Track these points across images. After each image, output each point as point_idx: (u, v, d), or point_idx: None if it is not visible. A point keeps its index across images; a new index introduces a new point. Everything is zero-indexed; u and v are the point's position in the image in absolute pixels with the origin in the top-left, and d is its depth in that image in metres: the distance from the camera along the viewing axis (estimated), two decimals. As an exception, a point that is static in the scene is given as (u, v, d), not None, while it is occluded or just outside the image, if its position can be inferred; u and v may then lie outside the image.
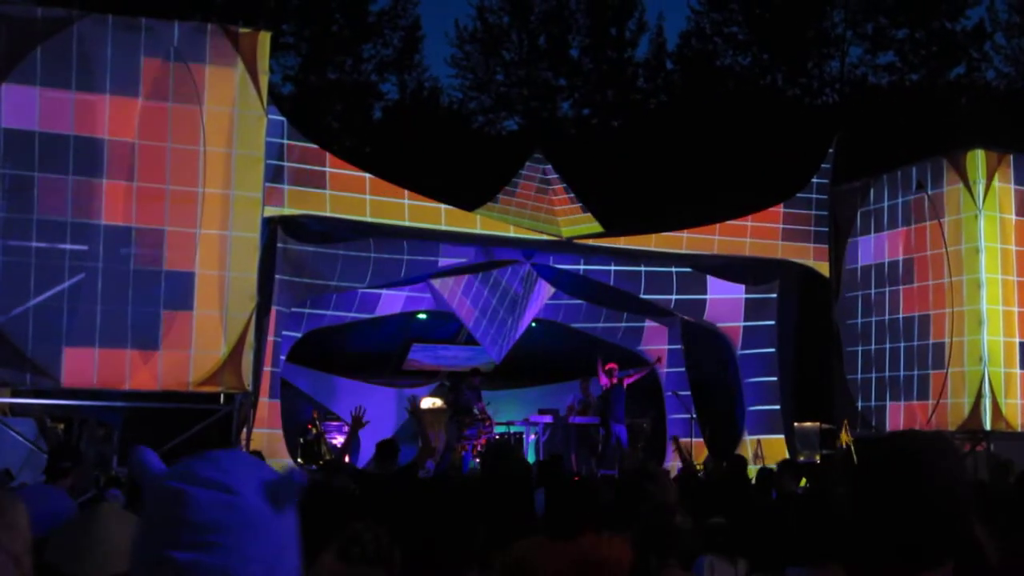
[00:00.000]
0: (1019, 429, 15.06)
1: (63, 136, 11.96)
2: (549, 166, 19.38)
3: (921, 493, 2.06)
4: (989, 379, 14.92)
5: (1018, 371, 15.22)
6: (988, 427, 14.81)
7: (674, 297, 17.47)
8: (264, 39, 13.02)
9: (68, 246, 11.91)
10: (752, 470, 12.75)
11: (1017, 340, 15.25)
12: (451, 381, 18.55)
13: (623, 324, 19.45)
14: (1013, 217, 15.50)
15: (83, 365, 11.85)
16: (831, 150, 17.62)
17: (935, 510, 2.05)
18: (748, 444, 17.16)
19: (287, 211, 13.96)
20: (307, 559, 3.21)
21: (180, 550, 1.50)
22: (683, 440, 16.98)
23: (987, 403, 14.87)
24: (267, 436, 13.79)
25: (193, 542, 1.50)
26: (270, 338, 14.07)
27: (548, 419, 18.50)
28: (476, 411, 17.62)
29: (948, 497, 2.06)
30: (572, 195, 19.08)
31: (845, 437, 16.31)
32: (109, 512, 3.13)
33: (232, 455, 1.62)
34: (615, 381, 17.68)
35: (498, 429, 18.13)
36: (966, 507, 2.09)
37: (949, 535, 2.06)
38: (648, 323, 19.53)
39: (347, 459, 16.90)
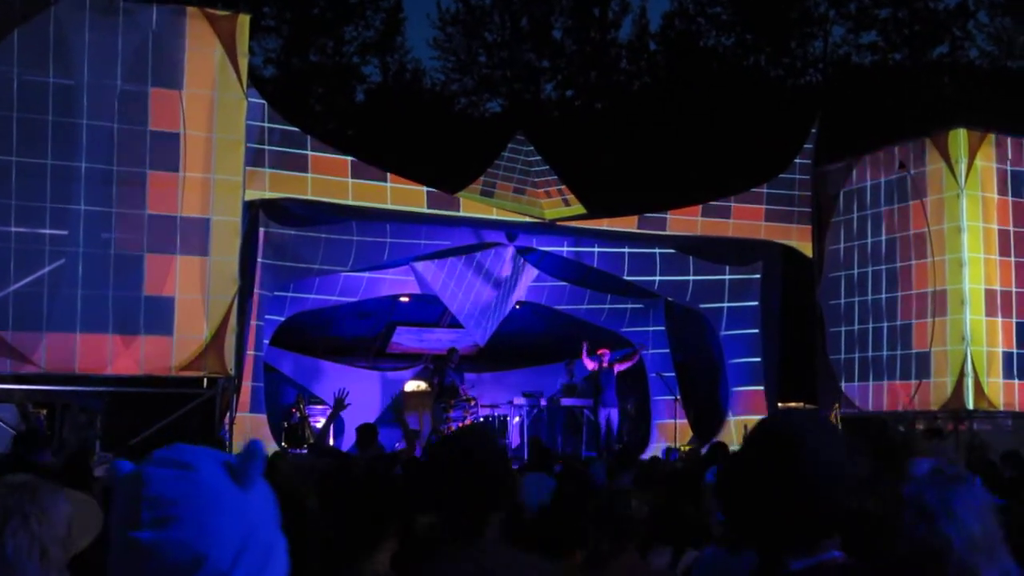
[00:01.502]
0: (1001, 408, 15.13)
1: (42, 120, 11.88)
2: (532, 148, 19.33)
3: (797, 471, 2.11)
4: (971, 358, 14.97)
5: (1000, 350, 15.28)
6: (971, 406, 14.87)
7: (657, 278, 17.46)
8: (243, 22, 12.95)
9: (48, 231, 11.85)
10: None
11: (999, 319, 15.29)
12: (434, 364, 18.54)
13: (607, 306, 19.45)
14: (995, 196, 15.53)
15: (64, 350, 11.81)
16: (814, 130, 17.62)
17: (811, 487, 2.11)
18: (733, 425, 17.18)
19: (269, 194, 13.88)
20: (366, 548, 3.20)
21: (141, 529, 1.49)
22: (667, 422, 17.06)
23: (969, 382, 14.93)
24: (250, 420, 13.74)
25: (153, 519, 1.49)
26: (253, 322, 14.02)
27: (533, 401, 18.53)
28: (460, 392, 17.62)
29: (824, 474, 2.12)
30: (555, 177, 19.05)
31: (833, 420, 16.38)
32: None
33: (194, 447, 1.61)
34: (605, 365, 17.69)
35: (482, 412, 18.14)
36: (847, 483, 2.15)
37: (826, 511, 2.12)
38: (632, 304, 19.53)
39: (331, 442, 16.96)
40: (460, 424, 17.22)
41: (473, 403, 17.72)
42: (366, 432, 10.72)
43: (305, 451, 15.39)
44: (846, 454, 2.18)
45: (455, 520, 2.80)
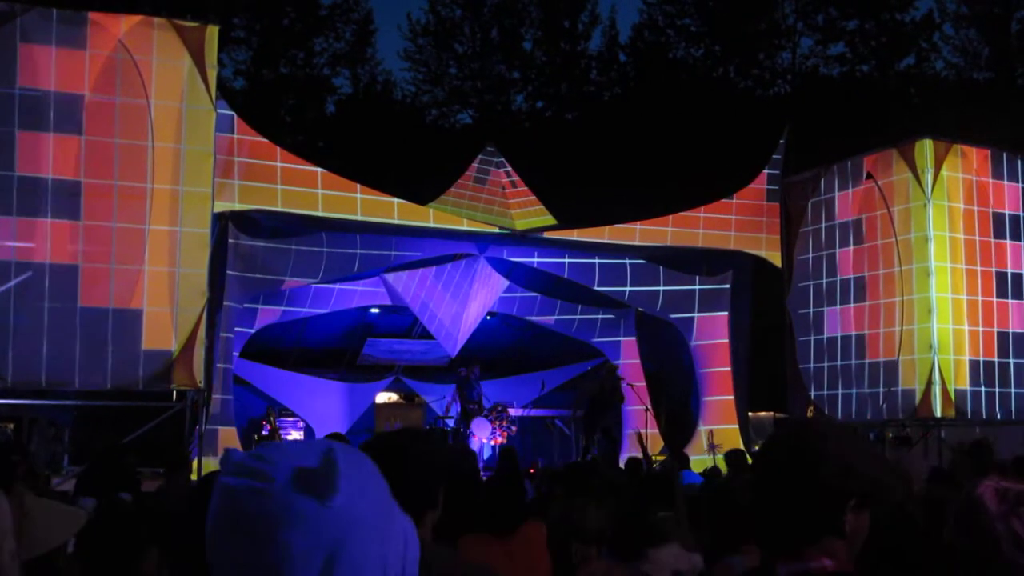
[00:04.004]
0: (969, 416, 15.23)
1: (8, 132, 11.79)
2: (503, 159, 19.36)
3: (812, 474, 2.17)
4: (939, 367, 15.07)
5: (965, 358, 15.39)
6: (939, 414, 14.96)
7: (628, 289, 17.51)
8: (212, 33, 12.90)
9: (14, 243, 11.75)
10: (706, 461, 12.79)
11: (966, 328, 15.41)
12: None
13: (578, 316, 19.49)
14: (961, 206, 15.65)
15: (31, 364, 11.69)
16: (782, 141, 17.73)
17: (824, 489, 2.16)
18: (703, 434, 17.24)
19: (238, 206, 13.83)
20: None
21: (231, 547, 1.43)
22: (640, 432, 17.05)
23: (937, 390, 15.02)
24: (221, 433, 13.68)
25: (229, 535, 1.43)
26: (222, 334, 13.96)
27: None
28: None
29: (837, 476, 2.16)
30: (526, 188, 19.08)
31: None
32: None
33: (280, 444, 1.52)
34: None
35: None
36: (861, 483, 2.19)
37: (837, 511, 2.17)
38: (603, 315, 19.57)
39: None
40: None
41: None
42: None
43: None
44: (863, 455, 2.24)
45: None
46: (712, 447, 16.62)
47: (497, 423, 17.65)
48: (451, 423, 17.80)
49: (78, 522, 2.62)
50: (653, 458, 15.14)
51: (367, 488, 1.49)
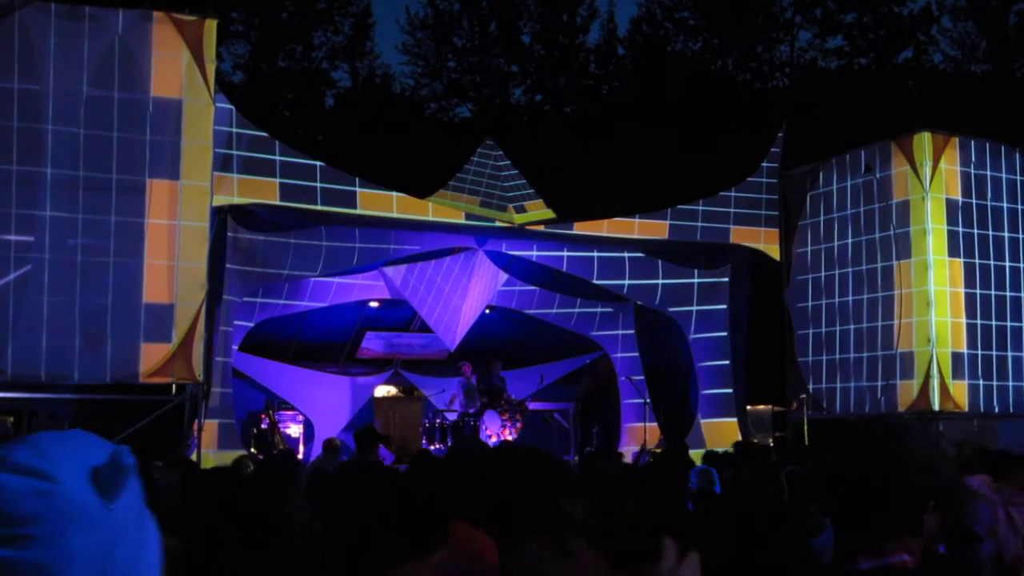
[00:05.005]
0: (966, 409, 15.26)
1: (7, 127, 11.79)
2: (501, 152, 19.36)
3: (900, 472, 2.19)
4: (937, 360, 15.10)
5: (969, 351, 15.42)
6: (937, 407, 15.00)
7: (627, 282, 17.51)
8: (211, 27, 12.91)
9: (13, 237, 11.76)
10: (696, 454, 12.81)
11: (964, 321, 15.43)
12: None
13: (576, 310, 19.49)
14: (959, 199, 15.68)
15: (31, 357, 11.71)
16: (781, 134, 17.74)
17: (910, 488, 2.19)
18: (702, 428, 17.26)
19: (237, 200, 13.83)
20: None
21: None
22: (637, 425, 17.11)
23: (935, 383, 15.05)
24: (220, 426, 13.69)
25: (8, 536, 1.34)
26: (221, 328, 13.96)
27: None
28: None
29: (923, 476, 2.20)
30: (525, 181, 19.08)
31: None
32: None
33: (58, 437, 1.45)
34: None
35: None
36: (937, 479, 2.22)
37: (918, 510, 2.19)
38: (601, 308, 19.58)
39: (300, 449, 16.95)
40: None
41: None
42: (327, 445, 10.72)
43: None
44: (938, 453, 2.27)
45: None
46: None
47: (509, 417, 17.62)
48: (453, 417, 17.81)
49: None
50: (652, 451, 15.22)
51: (135, 487, 1.46)
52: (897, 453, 2.21)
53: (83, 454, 1.43)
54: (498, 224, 16.59)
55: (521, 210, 18.15)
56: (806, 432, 16.10)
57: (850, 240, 16.54)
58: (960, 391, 15.23)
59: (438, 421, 17.61)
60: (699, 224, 17.07)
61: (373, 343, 19.78)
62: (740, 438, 16.19)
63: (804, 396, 16.60)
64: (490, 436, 17.17)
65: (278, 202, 14.17)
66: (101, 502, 1.40)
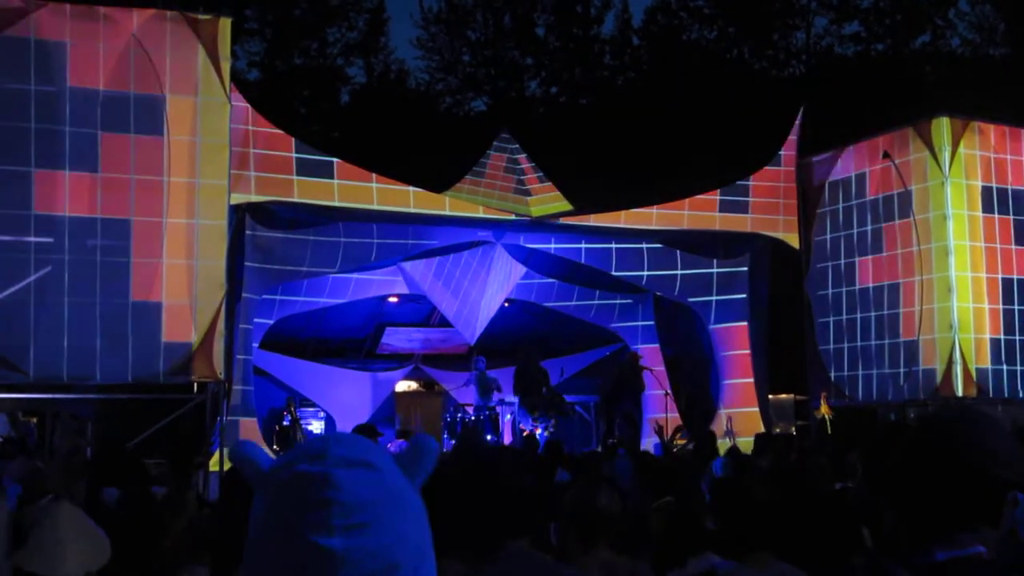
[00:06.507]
0: (991, 395, 15.17)
1: (24, 128, 11.83)
2: (517, 145, 19.32)
3: (980, 463, 2.18)
4: (960, 346, 15.02)
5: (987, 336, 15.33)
6: (960, 393, 14.92)
7: (645, 273, 17.46)
8: (225, 25, 12.92)
9: (33, 239, 11.80)
10: (722, 445, 12.79)
11: (986, 306, 15.34)
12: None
13: (596, 302, 19.47)
14: (979, 183, 15.58)
15: (52, 358, 11.76)
16: (798, 121, 17.65)
17: (990, 479, 2.18)
18: (723, 418, 17.22)
19: (254, 198, 13.85)
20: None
21: (332, 536, 1.37)
22: (659, 417, 17.03)
23: (958, 370, 14.97)
24: (241, 424, 13.73)
25: (346, 525, 1.38)
26: (241, 325, 13.99)
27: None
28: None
29: (1003, 467, 2.18)
30: (541, 174, 19.04)
31: (825, 409, 16.39)
32: (67, 511, 3.11)
33: (337, 435, 1.51)
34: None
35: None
36: (1011, 469, 2.20)
37: (998, 502, 2.20)
38: (620, 300, 19.55)
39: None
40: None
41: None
42: (367, 434, 10.71)
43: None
44: (1010, 443, 2.24)
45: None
46: (730, 432, 16.59)
47: (540, 414, 17.50)
48: (471, 411, 17.83)
49: (100, 560, 2.62)
50: (676, 443, 15.14)
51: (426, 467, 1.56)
52: (977, 445, 2.19)
53: (382, 447, 1.52)
54: (515, 217, 16.56)
55: (538, 203, 18.12)
56: (829, 424, 16.08)
57: (869, 227, 16.46)
58: (983, 377, 15.15)
59: (459, 416, 17.62)
60: (717, 213, 17.01)
61: (393, 338, 19.81)
62: (763, 428, 16.15)
63: (825, 393, 16.56)
64: (521, 430, 17.16)
65: (295, 199, 14.19)
66: (409, 484, 1.48)
